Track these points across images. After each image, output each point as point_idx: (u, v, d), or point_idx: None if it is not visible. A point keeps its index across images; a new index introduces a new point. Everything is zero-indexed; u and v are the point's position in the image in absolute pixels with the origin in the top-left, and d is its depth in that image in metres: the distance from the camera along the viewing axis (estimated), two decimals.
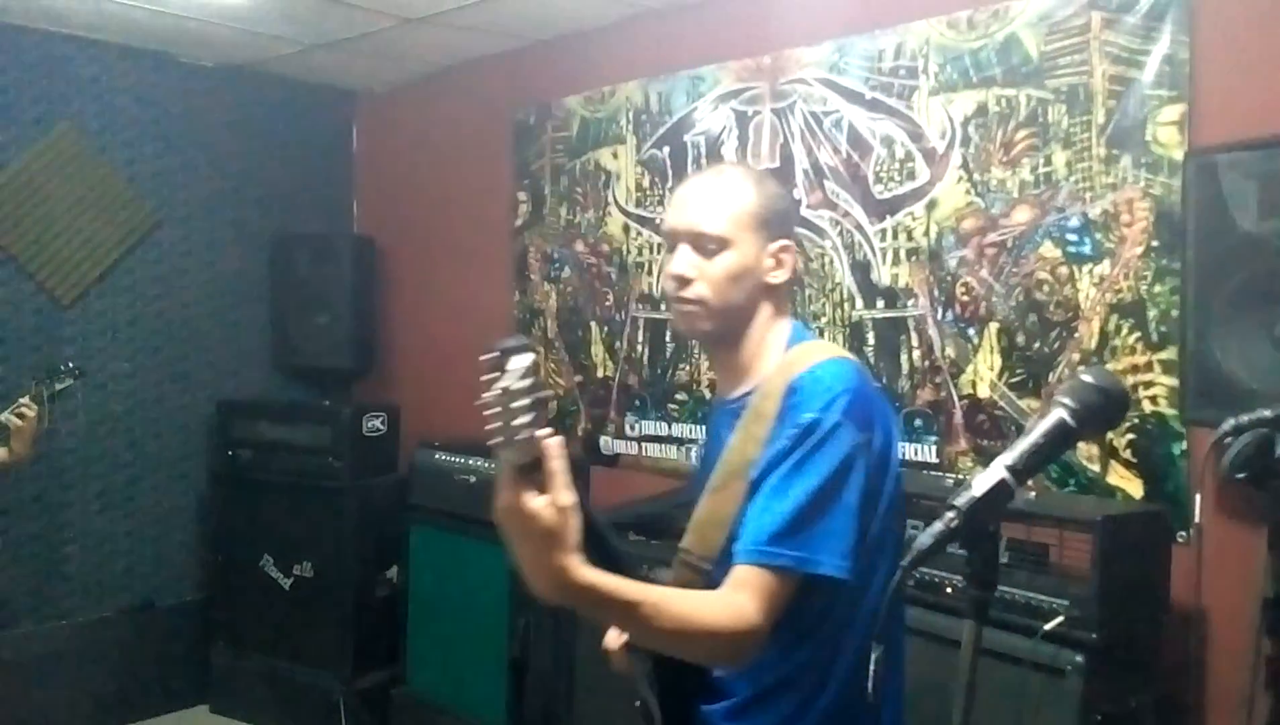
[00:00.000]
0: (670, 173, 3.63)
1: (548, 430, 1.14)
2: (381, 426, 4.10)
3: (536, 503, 1.14)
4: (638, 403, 3.75)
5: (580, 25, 3.82)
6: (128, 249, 4.18)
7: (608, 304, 3.85)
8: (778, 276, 1.51)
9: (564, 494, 1.15)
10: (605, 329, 3.87)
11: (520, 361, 1.10)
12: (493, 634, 3.47)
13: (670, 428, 3.65)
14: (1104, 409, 1.11)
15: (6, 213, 3.87)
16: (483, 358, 1.12)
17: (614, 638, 1.64)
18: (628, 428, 3.77)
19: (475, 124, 4.36)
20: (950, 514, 1.04)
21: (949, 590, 2.28)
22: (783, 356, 1.47)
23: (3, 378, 3.79)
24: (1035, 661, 2.02)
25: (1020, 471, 1.06)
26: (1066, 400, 1.11)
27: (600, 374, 3.88)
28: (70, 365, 3.15)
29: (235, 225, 4.49)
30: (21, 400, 2.94)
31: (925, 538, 1.04)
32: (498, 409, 1.10)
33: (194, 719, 4.12)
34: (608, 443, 3.82)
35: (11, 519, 3.87)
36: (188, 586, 4.33)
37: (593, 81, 3.90)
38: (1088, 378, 1.13)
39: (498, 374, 1.11)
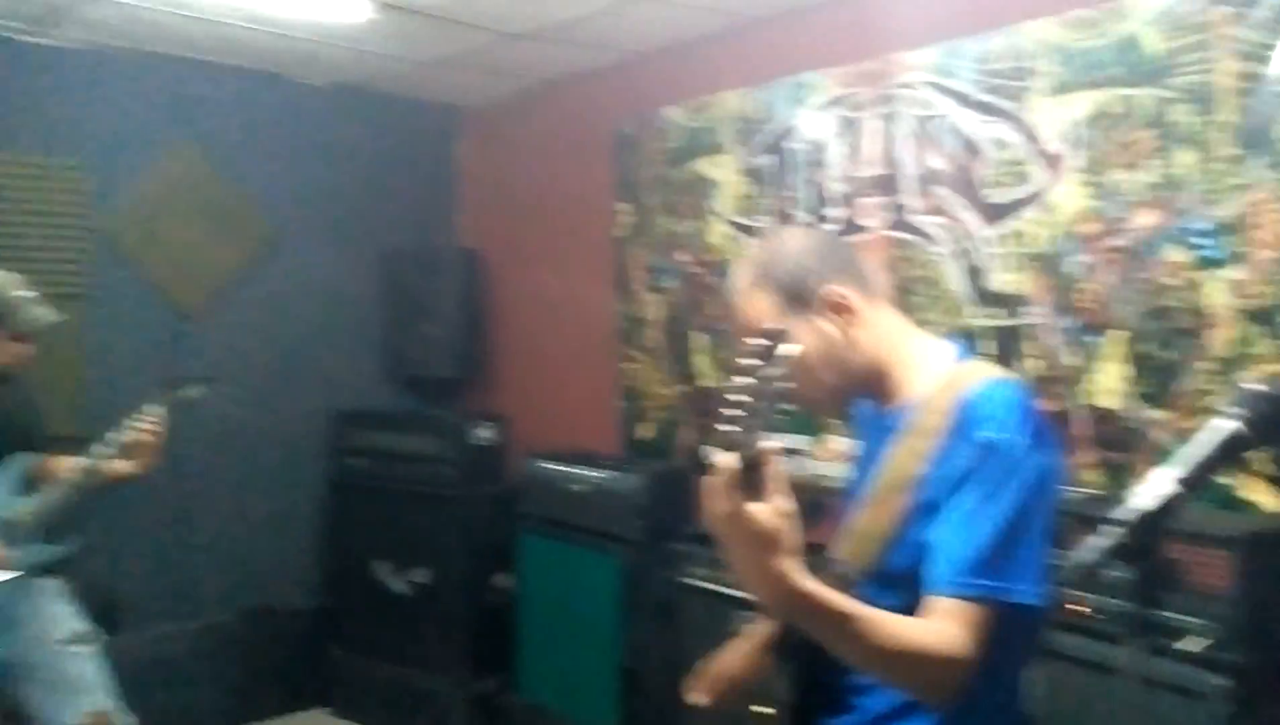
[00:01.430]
0: (774, 181, 3.62)
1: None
2: (490, 435, 4.18)
3: (758, 508, 1.14)
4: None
5: (681, 36, 3.84)
6: (247, 263, 4.36)
7: (711, 313, 3.86)
8: (849, 324, 1.45)
9: (784, 499, 1.15)
10: (709, 338, 3.88)
11: (788, 352, 1.07)
12: (603, 642, 3.51)
13: (777, 438, 3.62)
14: (1278, 418, 1.08)
15: (135, 229, 4.07)
16: (751, 341, 1.10)
17: (698, 693, 1.67)
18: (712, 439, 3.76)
19: (577, 137, 4.42)
20: (1117, 528, 1.01)
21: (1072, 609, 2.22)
22: (947, 371, 1.43)
23: (131, 388, 3.93)
24: (1173, 684, 1.96)
25: (1192, 484, 1.03)
26: (1238, 410, 1.07)
27: (704, 383, 3.88)
28: (200, 375, 3.16)
29: (347, 240, 4.64)
30: (148, 410, 2.90)
31: (1088, 553, 1.01)
32: (746, 399, 1.07)
33: (313, 720, 4.25)
34: (712, 453, 3.82)
35: (144, 525, 4.06)
36: (307, 591, 4.48)
37: (694, 91, 3.92)
38: (1260, 387, 1.10)
39: (758, 362, 1.08)
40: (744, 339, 1.13)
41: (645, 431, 4.09)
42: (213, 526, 4.27)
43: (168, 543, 4.16)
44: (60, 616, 2.87)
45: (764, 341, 1.11)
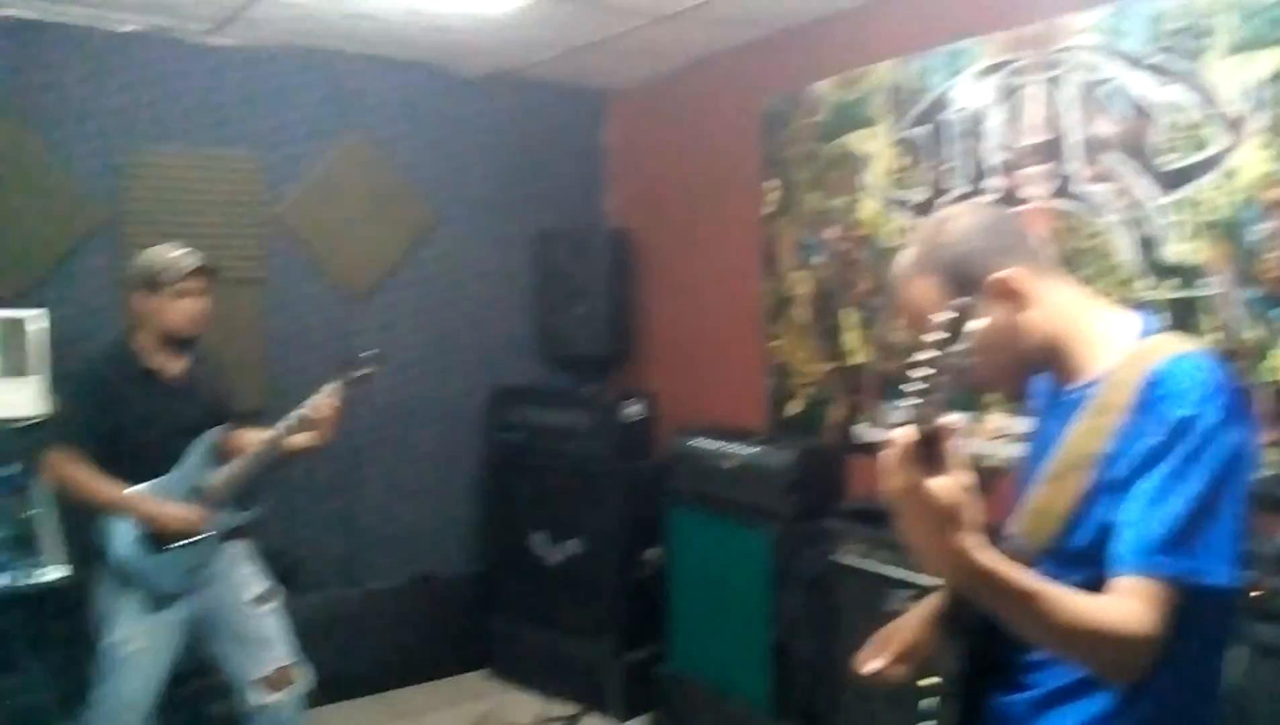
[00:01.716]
0: (929, 153, 3.54)
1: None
2: (640, 412, 4.25)
3: (938, 482, 1.13)
4: (896, 389, 3.69)
5: (830, 8, 3.79)
6: (410, 247, 4.56)
7: (862, 289, 3.81)
8: (1018, 309, 1.41)
9: (964, 473, 1.15)
10: (859, 314, 3.83)
11: (974, 328, 1.07)
12: (754, 617, 3.53)
13: (979, 417, 3.53)
14: None
15: (308, 217, 4.31)
16: (940, 316, 1.11)
17: (869, 662, 1.66)
18: (886, 415, 3.72)
19: (725, 115, 4.42)
20: None
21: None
22: (1133, 346, 1.38)
23: (306, 365, 4.21)
24: None
25: None
26: None
27: (855, 360, 3.84)
28: (372, 352, 3.20)
29: (501, 223, 4.79)
30: (326, 387, 3.04)
31: None
32: (931, 372, 1.07)
33: (475, 682, 4.44)
34: (864, 430, 3.79)
35: (316, 494, 4.32)
36: (467, 559, 4.68)
37: (844, 64, 3.86)
38: None
39: (946, 335, 1.08)
40: (931, 316, 1.12)
41: (794, 408, 4.09)
42: (379, 497, 4.50)
43: (337, 511, 4.41)
44: (247, 577, 3.08)
45: (951, 316, 1.11)
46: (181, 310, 2.91)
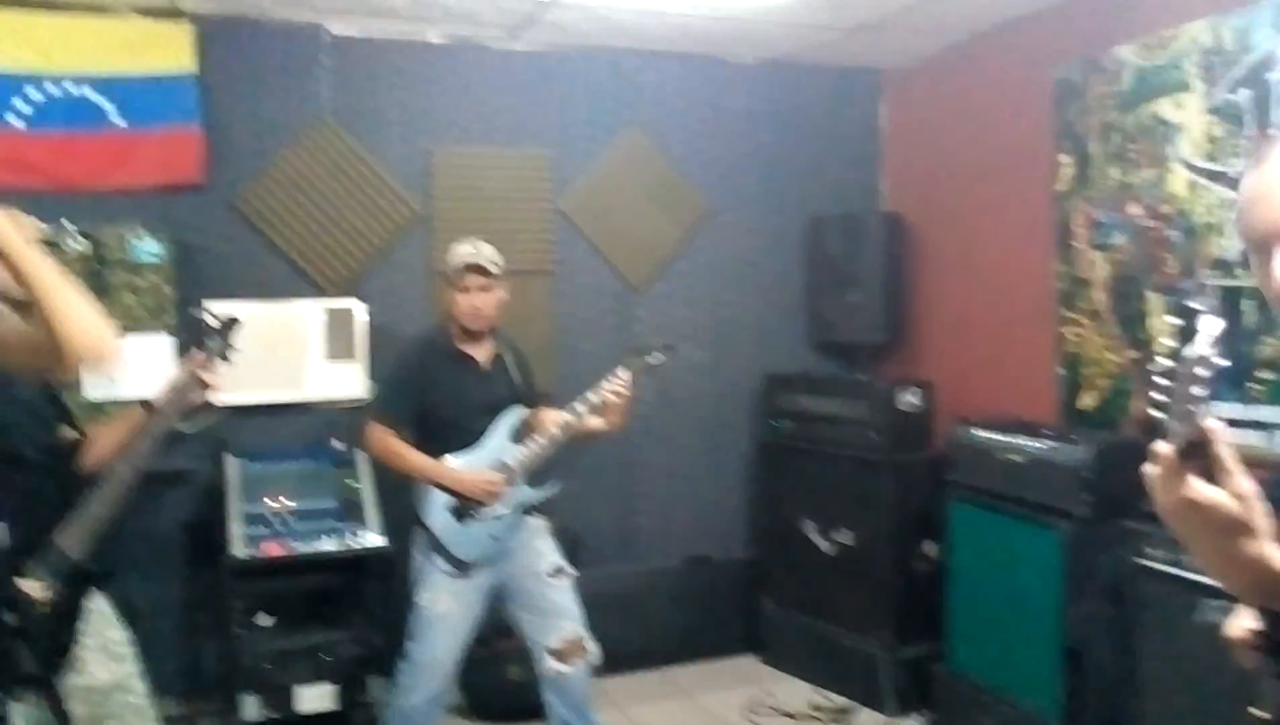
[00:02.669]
0: (1252, 119, 3.19)
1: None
2: (916, 401, 4.12)
3: (1213, 492, 1.03)
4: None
5: None
6: (686, 237, 4.66)
7: (1170, 271, 3.50)
8: None
9: (1242, 479, 1.04)
10: (1167, 299, 3.52)
11: (1212, 326, 1.00)
12: (1043, 619, 3.35)
13: (1251, 410, 3.22)
14: None
15: (590, 210, 4.50)
16: (1168, 318, 1.05)
17: (1237, 626, 1.49)
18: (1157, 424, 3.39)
19: (1011, 88, 4.19)
20: None
21: None
22: None
23: (590, 353, 4.41)
24: None
25: None
26: None
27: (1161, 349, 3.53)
28: (662, 343, 3.38)
29: (775, 210, 4.80)
30: (617, 373, 3.20)
31: None
32: (1175, 380, 1.00)
33: (744, 666, 4.50)
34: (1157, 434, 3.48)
35: (596, 474, 4.52)
36: (739, 544, 4.74)
37: (1148, 26, 3.55)
38: None
39: (1179, 340, 1.01)
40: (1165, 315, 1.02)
41: (1088, 401, 3.82)
42: (655, 479, 4.65)
43: (616, 492, 4.61)
44: (544, 551, 3.28)
45: (1188, 315, 1.00)
46: (464, 303, 3.15)
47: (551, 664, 3.19)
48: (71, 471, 2.33)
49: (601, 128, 4.51)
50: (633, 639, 4.33)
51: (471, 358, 3.20)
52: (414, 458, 3.10)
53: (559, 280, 4.47)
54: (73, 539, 2.21)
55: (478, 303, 3.16)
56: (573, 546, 3.96)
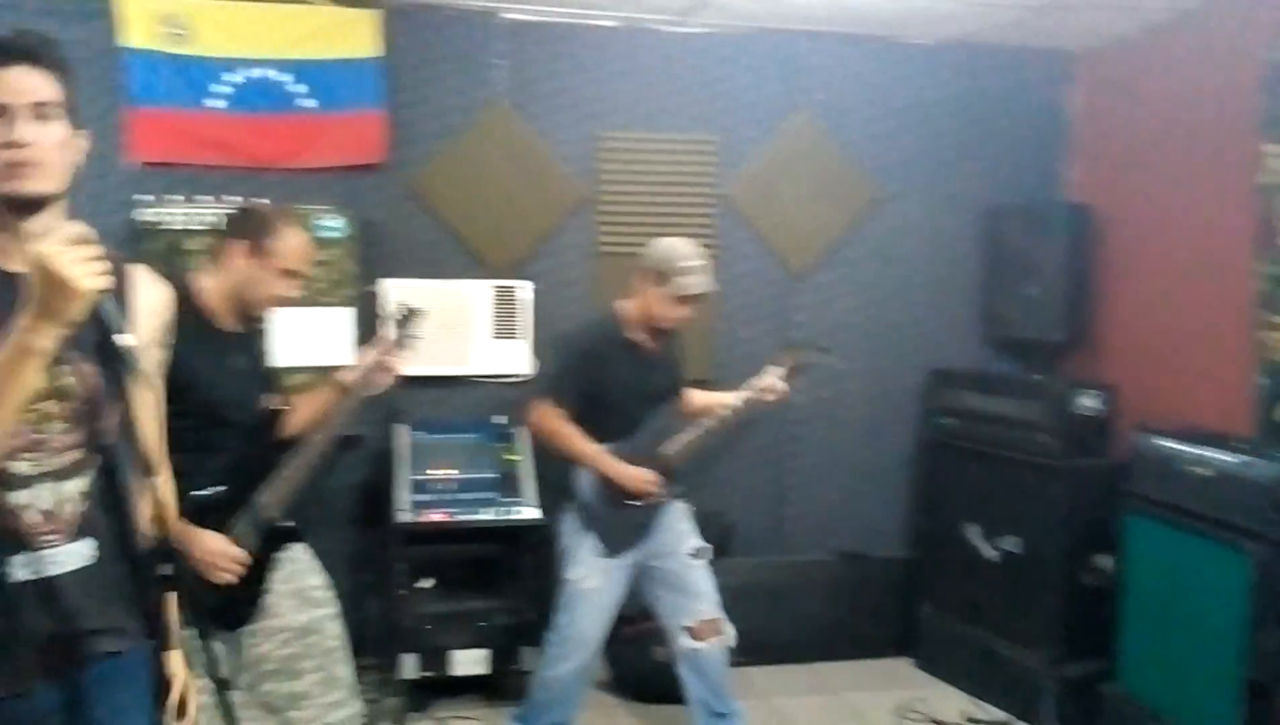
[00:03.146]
0: None
1: None
2: (1096, 405, 3.88)
3: None
4: None
5: None
6: (853, 225, 4.54)
7: None
8: None
9: None
10: None
11: None
12: (1225, 647, 3.10)
13: None
14: None
15: (754, 195, 4.44)
16: None
17: None
18: None
19: (1214, 71, 3.86)
20: None
21: None
22: None
23: (748, 340, 4.37)
24: None
25: None
26: None
27: None
28: (820, 345, 3.45)
29: (949, 198, 4.61)
30: (771, 370, 3.27)
31: None
32: None
33: (898, 668, 4.36)
34: None
35: (749, 462, 4.49)
36: (895, 543, 4.60)
37: None
38: None
39: None
40: None
41: None
42: (809, 471, 4.58)
43: (769, 481, 4.55)
44: (685, 533, 3.32)
45: None
46: (675, 313, 3.15)
47: (688, 641, 3.21)
48: (273, 437, 2.63)
49: (769, 112, 4.43)
50: (780, 631, 4.29)
51: (643, 348, 3.22)
52: (578, 442, 3.14)
53: (719, 266, 4.39)
54: (271, 498, 2.47)
55: (684, 318, 3.17)
56: (720, 534, 3.96)
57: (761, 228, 4.47)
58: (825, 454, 4.59)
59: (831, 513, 4.60)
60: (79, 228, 1.37)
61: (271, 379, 2.73)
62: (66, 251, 1.34)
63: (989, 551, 4.08)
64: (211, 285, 2.50)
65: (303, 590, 2.59)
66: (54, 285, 1.33)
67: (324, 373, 3.66)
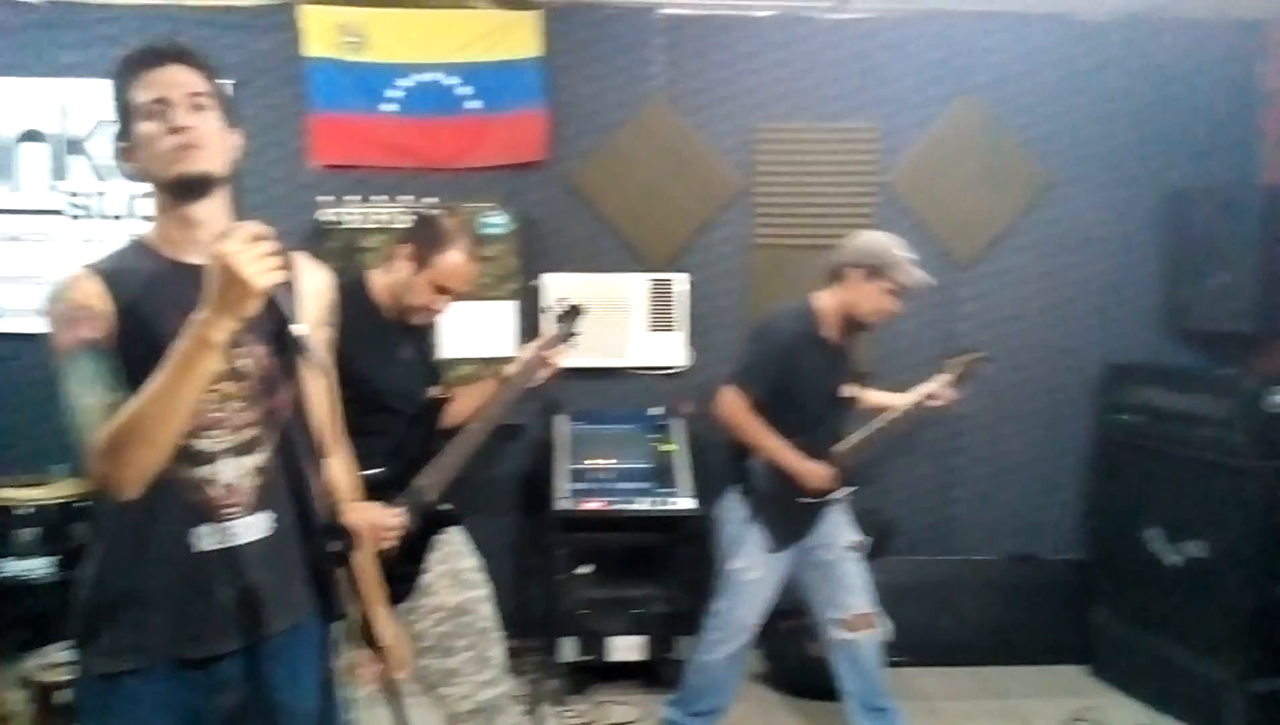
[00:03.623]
0: None
1: None
2: None
3: None
4: None
5: None
6: (1021, 212, 4.36)
7: None
8: None
9: None
10: None
11: None
12: None
13: None
14: None
15: (917, 183, 4.33)
16: None
17: None
18: None
19: None
20: None
21: None
22: None
23: (909, 332, 4.25)
24: None
25: None
26: None
27: None
28: (981, 353, 3.41)
29: (1127, 182, 4.36)
30: (938, 378, 3.29)
31: None
32: None
33: (1072, 677, 4.15)
34: None
35: (913, 459, 4.37)
36: (1068, 544, 4.38)
37: None
38: None
39: None
40: None
41: None
42: (976, 468, 4.43)
43: (932, 478, 4.43)
44: (843, 526, 3.27)
45: None
46: (882, 307, 3.11)
47: (839, 633, 3.19)
48: (436, 425, 2.74)
49: (931, 97, 4.31)
50: (944, 632, 4.16)
51: (831, 344, 3.18)
52: (764, 433, 3.11)
53: None
54: (431, 483, 2.59)
55: (893, 313, 3.15)
56: (882, 531, 3.88)
57: (925, 217, 4.35)
58: (993, 451, 4.43)
59: (1000, 512, 4.44)
60: (255, 225, 1.45)
61: (437, 370, 2.85)
62: (245, 250, 1.42)
63: (1171, 556, 3.84)
64: (381, 281, 2.63)
65: (458, 572, 2.68)
66: (232, 282, 1.41)
67: (487, 364, 3.84)
